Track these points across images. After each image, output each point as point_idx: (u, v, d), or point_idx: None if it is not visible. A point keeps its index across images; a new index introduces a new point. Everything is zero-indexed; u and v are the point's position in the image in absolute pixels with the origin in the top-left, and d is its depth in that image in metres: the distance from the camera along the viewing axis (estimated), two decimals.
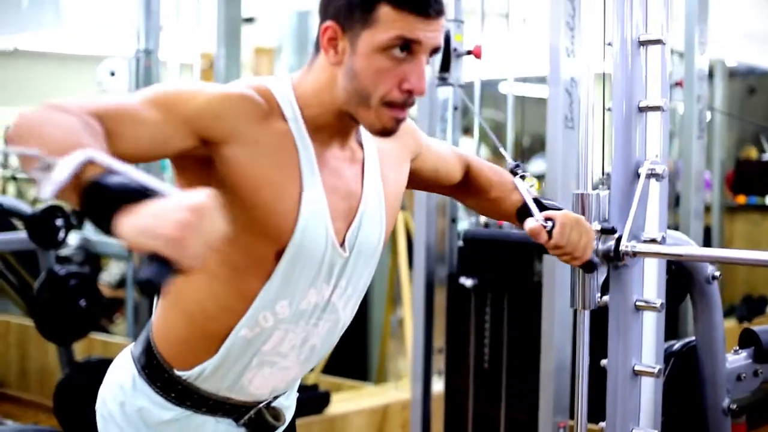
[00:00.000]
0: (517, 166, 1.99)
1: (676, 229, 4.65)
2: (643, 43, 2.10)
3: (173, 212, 1.15)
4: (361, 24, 1.58)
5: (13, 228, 4.72)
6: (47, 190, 1.21)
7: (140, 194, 1.20)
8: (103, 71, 4.91)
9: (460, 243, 3.62)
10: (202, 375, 1.72)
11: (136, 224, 1.16)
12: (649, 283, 2.14)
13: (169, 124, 1.52)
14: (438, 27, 1.60)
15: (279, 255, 1.64)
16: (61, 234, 4.28)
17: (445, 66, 3.33)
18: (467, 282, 3.57)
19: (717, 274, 2.32)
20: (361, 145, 1.78)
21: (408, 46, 1.57)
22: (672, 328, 3.21)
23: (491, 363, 3.67)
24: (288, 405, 1.92)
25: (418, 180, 1.99)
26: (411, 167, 1.92)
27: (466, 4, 3.57)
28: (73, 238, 5.87)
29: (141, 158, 1.52)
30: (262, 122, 1.62)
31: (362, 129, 1.75)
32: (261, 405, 1.82)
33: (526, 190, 1.94)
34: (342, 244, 1.71)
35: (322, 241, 1.66)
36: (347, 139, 1.74)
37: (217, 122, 1.57)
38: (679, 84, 4.68)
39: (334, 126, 1.69)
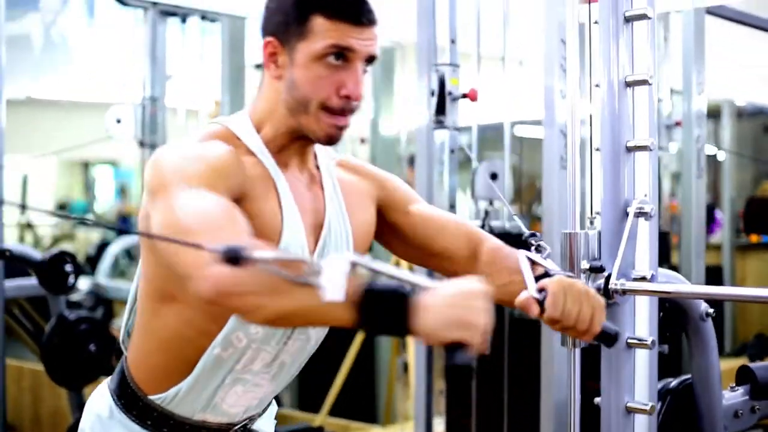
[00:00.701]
0: (533, 235, 1.87)
1: (676, 269, 4.67)
2: (630, 84, 2.13)
3: (467, 302, 1.29)
4: (297, 36, 1.66)
5: (27, 274, 4.76)
6: (335, 293, 1.30)
7: (409, 291, 1.31)
8: (109, 118, 4.96)
9: None
10: (177, 396, 1.75)
11: (436, 319, 1.28)
12: (641, 320, 2.15)
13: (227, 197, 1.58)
14: (371, 35, 1.67)
15: None
16: (71, 279, 4.31)
17: (441, 109, 3.37)
18: None
19: (711, 311, 2.32)
20: (318, 168, 1.83)
21: (342, 54, 1.65)
22: (675, 365, 3.21)
23: (492, 402, 3.68)
24: (266, 431, 1.96)
25: (406, 238, 1.95)
26: (389, 218, 1.93)
27: (462, 46, 3.61)
28: (84, 284, 5.91)
29: None
30: (242, 166, 1.67)
31: (318, 154, 1.83)
32: (237, 427, 1.85)
33: (528, 262, 1.77)
34: None
35: None
36: (305, 161, 1.80)
37: (230, 179, 1.62)
38: (678, 124, 4.71)
39: (290, 146, 1.75)
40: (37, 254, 4.46)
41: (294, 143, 1.74)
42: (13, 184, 9.92)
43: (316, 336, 1.83)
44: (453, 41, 3.55)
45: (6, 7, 4.15)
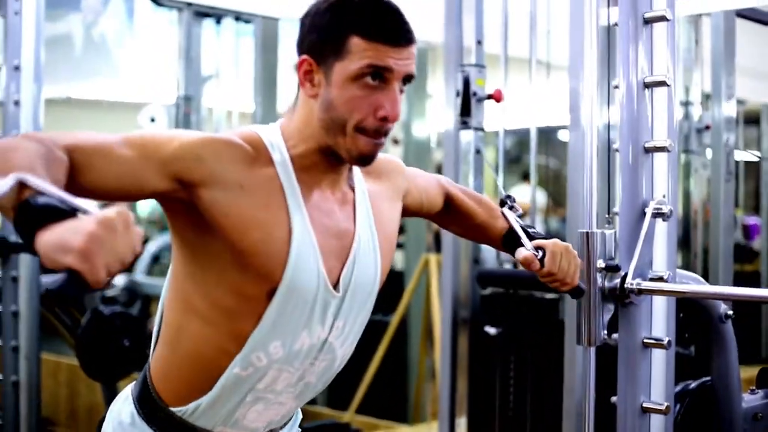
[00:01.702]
0: (508, 197, 2.03)
1: (706, 272, 4.65)
2: (648, 85, 2.14)
3: (86, 227, 1.16)
4: (334, 55, 1.62)
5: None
6: None
7: (63, 214, 1.23)
8: (143, 117, 5.03)
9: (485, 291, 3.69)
10: (197, 411, 1.75)
11: (50, 240, 1.18)
12: (658, 321, 2.16)
13: (144, 164, 1.55)
14: (409, 55, 1.64)
15: (270, 296, 1.66)
16: None
17: (466, 110, 3.39)
18: (491, 330, 3.64)
19: (730, 312, 2.33)
20: (352, 188, 1.80)
21: (380, 74, 1.61)
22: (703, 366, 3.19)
23: (516, 401, 3.70)
24: None
25: (404, 213, 1.99)
26: (402, 204, 1.95)
27: (490, 48, 3.63)
28: (120, 280, 5.98)
29: (111, 194, 1.54)
30: (247, 167, 1.65)
31: (354, 173, 1.80)
32: None
33: (515, 219, 2.00)
34: (336, 284, 1.72)
35: (314, 280, 1.68)
36: (338, 181, 1.77)
37: (195, 165, 1.59)
38: (708, 127, 4.69)
39: (320, 165, 1.72)
40: None
41: (324, 162, 1.71)
42: None
43: (342, 355, 1.81)
44: (479, 42, 3.56)
45: (47, 7, 4.22)
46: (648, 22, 2.15)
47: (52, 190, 1.27)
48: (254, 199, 1.64)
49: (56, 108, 9.33)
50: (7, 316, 4.12)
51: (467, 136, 3.57)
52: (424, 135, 6.29)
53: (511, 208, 2.02)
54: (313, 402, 5.63)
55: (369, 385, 5.28)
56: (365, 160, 1.68)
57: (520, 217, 2.03)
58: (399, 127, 6.14)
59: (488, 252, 3.99)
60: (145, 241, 7.79)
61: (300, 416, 1.99)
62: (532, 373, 3.68)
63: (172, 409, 1.77)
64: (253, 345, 1.69)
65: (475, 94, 3.43)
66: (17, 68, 4.07)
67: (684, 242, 5.09)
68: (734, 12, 4.26)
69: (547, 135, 4.14)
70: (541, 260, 1.87)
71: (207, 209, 1.61)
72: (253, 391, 1.74)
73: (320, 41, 1.65)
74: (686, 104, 4.95)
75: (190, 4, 4.63)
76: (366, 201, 1.81)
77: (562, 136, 5.37)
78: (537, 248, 1.89)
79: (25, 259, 4.12)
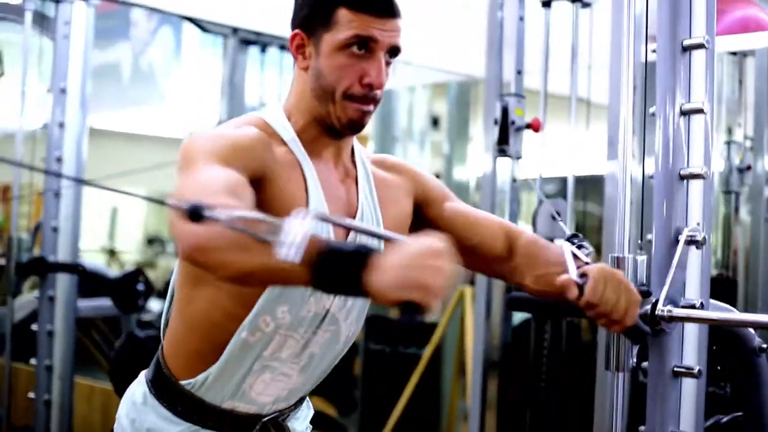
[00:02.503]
0: (575, 236, 1.96)
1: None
2: (686, 113, 2.13)
3: (424, 261, 1.26)
4: (323, 28, 1.76)
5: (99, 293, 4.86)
6: (289, 253, 1.31)
7: (371, 250, 1.31)
8: None
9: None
10: (207, 382, 1.80)
11: (389, 279, 1.27)
12: (689, 349, 2.13)
13: (243, 175, 1.61)
14: (394, 27, 1.76)
15: None
16: (143, 298, 4.41)
17: (503, 138, 3.40)
18: None
19: (764, 346, 2.29)
20: (354, 165, 1.90)
21: (365, 44, 1.74)
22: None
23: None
24: (300, 430, 1.98)
25: (449, 236, 1.99)
26: (429, 215, 1.99)
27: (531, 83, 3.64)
28: (156, 305, 6.01)
29: None
30: (269, 149, 1.75)
31: (357, 154, 1.90)
32: (266, 419, 1.87)
33: (570, 251, 1.85)
34: None
35: None
36: (339, 155, 1.87)
37: (252, 159, 1.68)
38: (749, 168, 4.66)
39: (321, 138, 1.82)
40: (111, 272, 4.58)
41: (323, 134, 1.82)
42: (103, 216, 10.14)
43: (347, 331, 1.87)
44: (519, 72, 3.58)
45: (97, 37, 4.30)
46: (686, 49, 2.14)
47: (350, 223, 1.43)
48: (279, 174, 1.73)
49: (105, 139, 9.47)
50: (42, 336, 4.18)
51: (505, 165, 3.57)
52: (464, 178, 6.30)
53: (579, 247, 1.90)
54: (343, 431, 5.63)
55: (400, 417, 5.25)
56: (354, 126, 1.79)
57: (588, 255, 1.89)
58: (441, 168, 6.16)
59: None
60: None
61: (312, 411, 2.04)
62: (562, 399, 3.65)
63: (182, 382, 1.82)
64: (261, 308, 1.75)
65: (513, 122, 3.44)
66: (63, 91, 4.15)
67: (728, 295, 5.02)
68: None
69: (592, 182, 4.10)
70: (581, 287, 1.71)
71: (260, 196, 1.67)
72: (259, 359, 1.79)
73: (310, 15, 1.78)
74: (729, 144, 4.92)
75: (235, 31, 4.68)
76: (369, 179, 1.90)
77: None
78: (582, 275, 1.74)
79: (62, 279, 4.17)
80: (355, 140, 1.92)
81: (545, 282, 1.93)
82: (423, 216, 2.00)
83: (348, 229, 1.78)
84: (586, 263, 1.83)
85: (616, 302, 1.74)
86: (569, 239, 1.96)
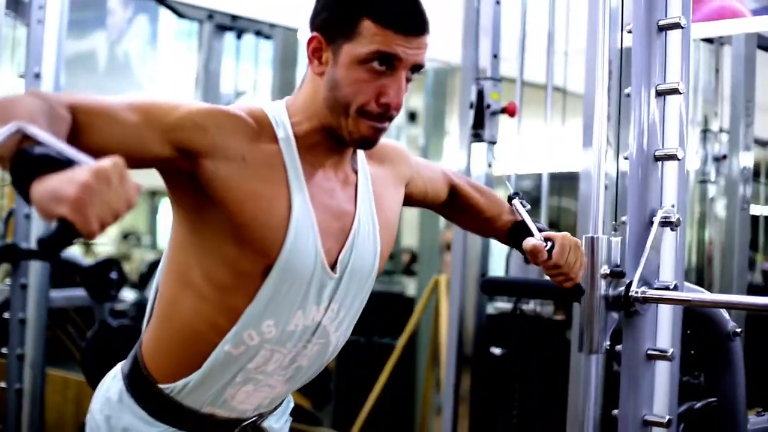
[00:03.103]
0: (516, 193, 2.05)
1: None
2: (661, 93, 2.12)
3: (80, 177, 1.14)
4: (344, 36, 1.62)
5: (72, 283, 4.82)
6: None
7: (60, 164, 1.21)
8: None
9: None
10: (186, 388, 1.74)
11: (44, 189, 1.16)
12: (663, 332, 2.12)
13: (146, 129, 1.53)
14: (420, 44, 1.63)
15: (266, 272, 1.64)
16: (116, 287, 4.37)
17: (479, 122, 3.38)
18: (496, 350, 3.63)
19: (738, 330, 2.29)
20: (356, 171, 1.80)
21: (388, 61, 1.61)
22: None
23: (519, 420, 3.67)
24: (278, 427, 1.93)
25: (410, 203, 2.01)
26: (405, 192, 1.95)
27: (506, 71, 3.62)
28: (130, 295, 5.98)
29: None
30: (250, 141, 1.64)
31: (358, 156, 1.80)
32: (246, 423, 1.82)
33: (525, 212, 2.00)
34: (334, 266, 1.71)
35: (311, 259, 1.67)
36: (341, 162, 1.76)
37: (198, 134, 1.58)
38: (725, 157, 4.67)
39: (323, 144, 1.71)
40: (84, 260, 4.54)
41: (327, 142, 1.71)
42: None
43: (336, 342, 1.81)
44: (495, 56, 3.55)
45: (72, 26, 4.25)
46: (662, 29, 2.13)
47: (51, 141, 1.26)
48: (256, 173, 1.63)
49: None
50: (14, 324, 4.11)
51: (479, 149, 3.55)
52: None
53: (520, 203, 2.02)
54: (317, 423, 5.60)
55: (373, 408, 5.23)
56: (367, 143, 1.68)
57: (528, 211, 2.02)
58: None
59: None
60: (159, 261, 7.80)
61: (291, 404, 1.98)
62: (537, 393, 3.64)
63: (161, 386, 1.75)
64: (246, 322, 1.67)
65: (489, 106, 3.42)
66: (38, 76, 4.09)
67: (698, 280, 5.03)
68: (755, 39, 4.25)
69: (567, 178, 4.09)
70: (549, 251, 1.85)
71: (208, 180, 1.60)
72: (243, 371, 1.72)
73: (332, 20, 1.64)
74: (705, 132, 4.93)
75: (211, 16, 4.64)
76: (368, 185, 1.81)
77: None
78: (546, 239, 1.87)
79: (34, 267, 4.12)
80: None
81: (488, 225, 2.09)
82: (409, 197, 1.98)
83: (342, 243, 1.74)
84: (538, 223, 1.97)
85: (575, 264, 1.86)
86: (510, 197, 2.02)
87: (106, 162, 1.17)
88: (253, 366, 1.72)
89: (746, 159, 4.42)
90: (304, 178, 1.68)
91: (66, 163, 1.21)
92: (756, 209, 4.89)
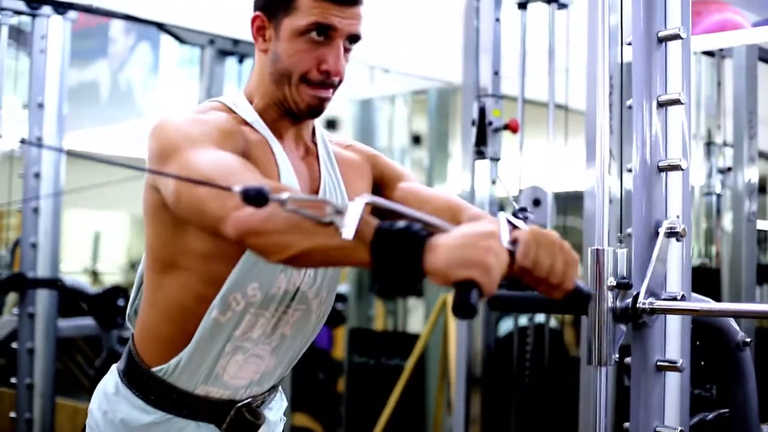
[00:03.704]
0: (522, 209, 1.96)
1: None
2: (663, 104, 2.12)
3: (479, 241, 1.28)
4: (284, 12, 1.76)
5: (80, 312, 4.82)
6: (348, 231, 1.32)
7: (426, 233, 1.33)
8: None
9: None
10: (179, 367, 1.79)
11: (447, 257, 1.28)
12: (672, 343, 2.11)
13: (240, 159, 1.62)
14: (354, 15, 1.77)
15: None
16: (122, 315, 4.36)
17: (481, 139, 3.39)
18: None
19: (748, 340, 2.28)
20: (315, 144, 1.91)
21: (325, 31, 1.75)
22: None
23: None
24: (274, 420, 1.97)
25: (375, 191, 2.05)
26: (383, 193, 1.99)
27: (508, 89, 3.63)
28: None
29: None
30: (241, 131, 1.77)
31: (318, 136, 1.92)
32: (240, 404, 1.86)
33: (506, 221, 1.53)
34: None
35: None
36: (300, 135, 1.88)
37: (235, 140, 1.71)
38: (729, 169, 4.66)
39: (282, 119, 1.83)
40: (91, 288, 4.54)
41: (283, 116, 1.83)
42: (86, 239, 10.08)
43: (317, 310, 1.88)
44: (496, 73, 3.58)
45: (75, 56, 4.27)
46: (662, 41, 2.13)
47: (398, 207, 1.41)
48: (255, 154, 1.75)
49: (86, 162, 9.38)
50: (23, 354, 4.12)
51: (483, 166, 3.56)
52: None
53: (525, 219, 1.86)
54: None
55: (384, 430, 5.22)
56: (313, 111, 1.81)
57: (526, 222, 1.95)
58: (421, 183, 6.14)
59: None
60: None
61: (285, 403, 2.04)
62: (547, 398, 3.63)
63: (154, 369, 1.80)
64: (231, 285, 1.74)
65: (491, 123, 3.44)
66: (41, 106, 4.12)
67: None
68: (757, 50, 4.25)
69: (573, 198, 4.10)
70: (512, 253, 1.45)
71: None
72: (231, 340, 1.78)
73: None
74: (708, 145, 4.92)
75: (212, 42, 4.66)
76: (330, 156, 1.92)
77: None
78: (513, 242, 1.48)
79: (42, 296, 4.13)
80: (315, 122, 1.94)
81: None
82: (379, 195, 1.98)
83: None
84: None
85: (552, 265, 1.47)
86: (516, 213, 1.93)
87: (493, 227, 1.35)
88: (239, 333, 1.78)
89: (751, 173, 4.42)
90: (282, 149, 1.80)
91: (427, 231, 1.34)
92: (761, 224, 4.87)
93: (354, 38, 1.79)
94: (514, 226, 1.55)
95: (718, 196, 4.88)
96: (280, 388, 2.00)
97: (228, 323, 1.77)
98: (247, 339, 1.80)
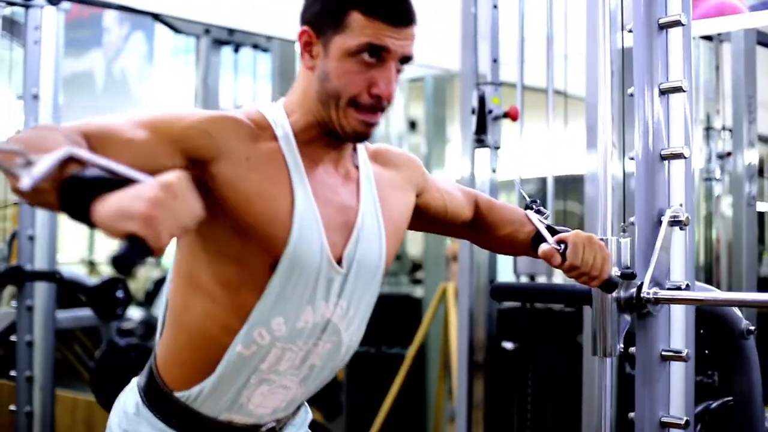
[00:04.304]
0: (534, 201, 2.02)
1: None
2: (664, 92, 2.10)
3: (146, 193, 1.17)
4: (334, 29, 1.65)
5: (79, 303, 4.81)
6: (26, 182, 1.23)
7: (117, 183, 1.22)
8: None
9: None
10: (201, 394, 1.73)
11: (110, 208, 1.18)
12: (676, 333, 2.11)
13: (156, 143, 1.54)
14: (408, 36, 1.66)
15: (273, 268, 1.65)
16: (122, 306, 4.35)
17: (481, 127, 3.37)
18: (508, 345, 3.61)
19: (752, 328, 2.27)
20: (357, 167, 1.81)
21: (377, 52, 1.63)
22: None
23: (534, 419, 3.65)
24: None
25: (428, 218, 2.00)
26: (419, 203, 1.94)
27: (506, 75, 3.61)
28: (138, 314, 5.95)
29: None
30: (251, 142, 1.66)
31: (360, 155, 1.82)
32: (264, 428, 1.81)
33: (538, 219, 1.98)
34: (340, 261, 1.72)
35: (317, 253, 1.67)
36: (341, 157, 1.78)
37: (205, 141, 1.60)
38: (729, 154, 4.65)
39: (321, 140, 1.73)
40: (89, 280, 4.52)
41: (324, 137, 1.72)
42: (83, 228, 10.04)
43: (348, 341, 1.80)
44: (495, 60, 3.55)
45: (69, 45, 4.24)
46: (663, 27, 2.12)
47: (102, 162, 1.27)
48: (259, 172, 1.65)
49: None
50: (21, 346, 4.10)
51: (483, 155, 3.54)
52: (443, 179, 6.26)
53: (538, 211, 2.01)
54: None
55: (385, 419, 5.21)
56: (359, 136, 1.70)
57: (547, 217, 2.01)
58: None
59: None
60: (165, 279, 7.77)
61: (310, 415, 1.97)
62: (550, 388, 3.63)
63: (177, 394, 1.75)
64: (255, 320, 1.68)
65: (490, 111, 3.42)
66: (36, 97, 4.08)
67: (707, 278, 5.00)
68: (755, 35, 4.24)
69: (572, 181, 4.09)
70: (563, 254, 1.84)
71: (216, 184, 1.62)
72: (256, 373, 1.73)
73: (322, 13, 1.67)
74: (708, 130, 4.91)
75: (208, 31, 4.63)
76: (371, 181, 1.82)
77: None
78: (559, 242, 1.86)
79: (40, 288, 4.11)
80: None
81: (510, 240, 2.05)
82: (425, 208, 1.97)
83: (347, 239, 1.74)
84: (548, 225, 1.95)
85: (593, 261, 1.85)
86: (529, 206, 1.99)
87: (172, 176, 1.20)
88: (265, 366, 1.72)
89: (751, 156, 4.40)
90: (306, 173, 1.70)
91: (123, 182, 1.23)
92: (761, 206, 4.86)
93: (406, 59, 1.68)
94: (547, 225, 1.93)
95: (718, 180, 4.87)
96: (305, 402, 1.95)
97: (253, 357, 1.70)
98: (273, 372, 1.73)
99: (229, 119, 1.66)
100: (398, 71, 1.68)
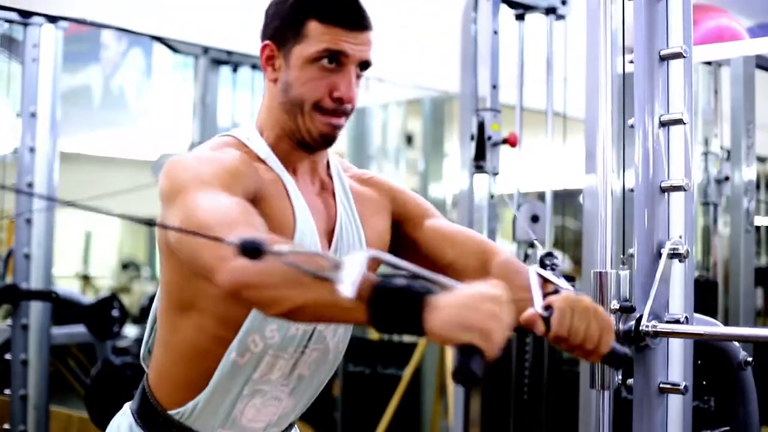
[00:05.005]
0: (549, 254, 1.96)
1: None
2: (665, 124, 2.10)
3: (482, 305, 1.24)
4: (293, 40, 1.72)
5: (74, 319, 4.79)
6: (348, 289, 1.27)
7: (428, 291, 1.29)
8: (156, 169, 5.02)
9: None
10: (196, 409, 1.75)
11: (448, 320, 1.25)
12: (674, 365, 2.10)
13: (245, 200, 1.59)
14: (364, 40, 1.73)
15: None
16: (117, 324, 4.34)
17: (480, 153, 3.37)
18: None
19: (750, 359, 2.26)
20: (330, 177, 1.87)
21: (336, 58, 1.71)
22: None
23: None
24: None
25: (418, 251, 1.93)
26: (404, 231, 1.94)
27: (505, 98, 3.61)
28: (133, 331, 5.93)
29: None
30: (254, 169, 1.72)
31: (333, 168, 1.87)
32: None
33: (538, 278, 1.66)
34: None
35: None
36: (315, 168, 1.84)
37: (246, 181, 1.66)
38: (727, 178, 4.64)
39: (294, 151, 1.79)
40: (85, 299, 4.50)
41: (297, 149, 1.78)
42: (78, 240, 10.03)
43: (335, 349, 1.84)
44: (494, 87, 3.55)
45: (66, 60, 4.23)
46: (664, 59, 2.11)
47: (401, 263, 1.35)
48: (269, 193, 1.72)
49: (79, 163, 9.38)
50: (16, 365, 4.09)
51: (482, 181, 3.54)
52: (440, 195, 6.26)
53: (552, 268, 1.93)
54: None
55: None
56: (325, 137, 1.76)
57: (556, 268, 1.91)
58: (417, 185, 6.13)
59: None
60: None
61: None
62: (548, 415, 3.61)
63: (170, 412, 1.77)
64: (249, 327, 1.71)
65: (489, 138, 3.41)
66: (33, 115, 4.08)
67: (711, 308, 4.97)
68: (754, 59, 4.23)
69: (569, 196, 4.08)
70: (547, 320, 1.55)
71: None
72: (249, 383, 1.75)
73: (281, 26, 1.74)
74: (706, 154, 4.91)
75: (206, 51, 4.63)
76: (347, 191, 1.87)
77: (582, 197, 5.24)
78: (547, 307, 1.57)
79: (35, 307, 4.09)
80: (330, 153, 1.89)
81: (515, 309, 1.79)
82: (401, 233, 1.94)
83: (328, 247, 1.77)
84: (555, 291, 1.66)
85: (587, 330, 1.55)
86: (543, 258, 1.93)
87: (498, 290, 1.29)
88: (258, 375, 1.75)
89: (749, 173, 4.39)
90: (296, 186, 1.76)
91: (431, 289, 1.30)
92: (760, 220, 4.86)
93: (365, 65, 1.75)
94: (545, 280, 1.66)
95: (715, 205, 4.87)
96: (295, 423, 1.97)
97: (247, 365, 1.73)
98: (266, 381, 1.77)
99: (239, 156, 1.71)
100: (358, 76, 1.75)
